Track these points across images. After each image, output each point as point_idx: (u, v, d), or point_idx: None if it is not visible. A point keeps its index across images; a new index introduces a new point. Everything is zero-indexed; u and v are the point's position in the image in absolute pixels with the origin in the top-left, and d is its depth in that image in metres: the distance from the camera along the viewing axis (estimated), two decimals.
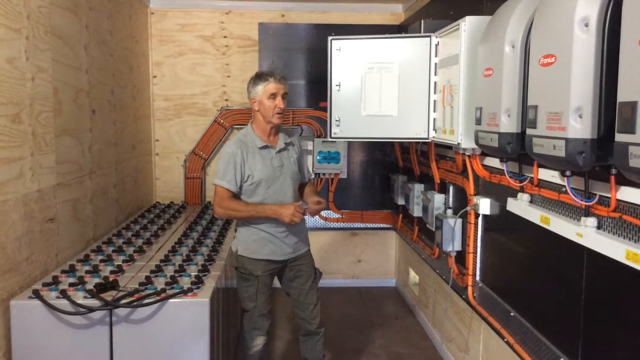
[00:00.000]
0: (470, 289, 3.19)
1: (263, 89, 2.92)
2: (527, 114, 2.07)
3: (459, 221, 3.30)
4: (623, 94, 1.51)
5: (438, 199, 3.67)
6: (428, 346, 4.16)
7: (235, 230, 3.13)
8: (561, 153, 1.79)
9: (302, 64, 5.28)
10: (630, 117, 1.46)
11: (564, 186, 2.02)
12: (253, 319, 3.05)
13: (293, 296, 3.18)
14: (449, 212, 3.55)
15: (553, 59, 1.86)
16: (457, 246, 3.34)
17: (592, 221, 1.94)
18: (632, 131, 1.45)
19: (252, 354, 3.10)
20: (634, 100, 1.45)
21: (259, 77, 2.96)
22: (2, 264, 2.48)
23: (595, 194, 1.92)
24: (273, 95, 2.92)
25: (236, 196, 2.96)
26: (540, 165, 2.29)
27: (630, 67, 1.49)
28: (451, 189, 3.59)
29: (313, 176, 3.27)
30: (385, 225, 5.43)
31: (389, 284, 5.50)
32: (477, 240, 3.14)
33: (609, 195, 1.83)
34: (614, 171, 1.77)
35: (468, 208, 3.13)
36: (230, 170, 2.90)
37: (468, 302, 3.24)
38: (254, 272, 2.99)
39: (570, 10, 1.74)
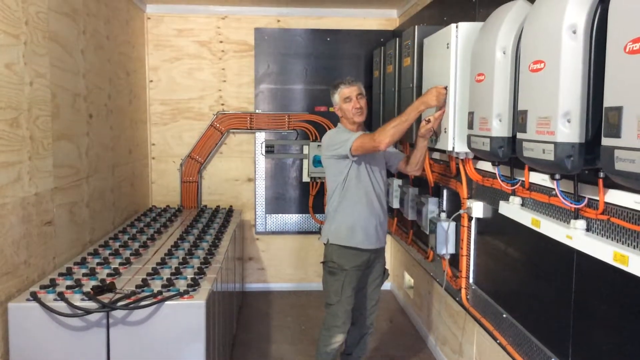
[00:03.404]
0: (463, 292, 3.22)
1: (339, 96, 3.24)
2: (517, 119, 2.11)
3: (453, 224, 3.34)
4: (609, 99, 1.55)
5: (432, 202, 3.70)
6: (422, 349, 4.19)
7: (325, 219, 3.33)
8: (550, 157, 1.82)
9: (298, 69, 5.32)
10: (616, 121, 1.49)
11: (554, 189, 2.06)
12: (336, 315, 3.19)
13: (359, 287, 3.32)
14: (443, 215, 3.58)
15: (542, 64, 1.90)
16: (451, 249, 3.37)
17: (581, 224, 1.97)
18: (617, 135, 1.49)
19: (328, 351, 3.22)
20: (620, 105, 1.49)
21: (333, 87, 3.28)
22: (0, 267, 2.50)
23: (584, 197, 1.96)
24: (348, 98, 3.21)
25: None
26: (531, 169, 2.32)
27: (615, 72, 1.53)
28: (445, 192, 3.62)
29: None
30: None
31: (383, 287, 5.50)
32: (470, 243, 3.17)
33: (597, 198, 1.87)
34: (602, 174, 1.80)
35: (461, 211, 3.16)
36: (346, 133, 3.16)
37: (462, 305, 3.27)
38: (342, 265, 3.16)
39: (559, 17, 1.78)
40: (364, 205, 3.21)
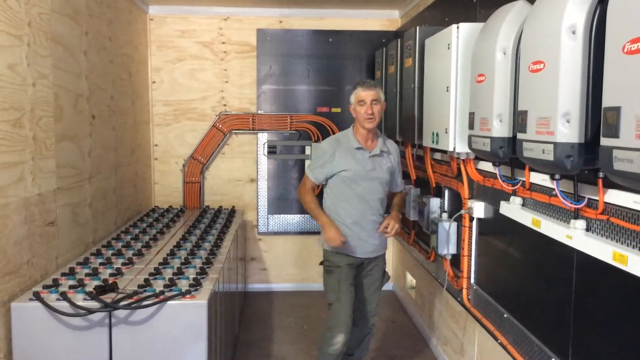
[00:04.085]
0: (465, 292, 3.23)
1: (354, 97, 3.18)
2: (517, 119, 2.11)
3: (454, 224, 3.35)
4: (607, 100, 1.56)
5: (434, 202, 3.70)
6: (424, 349, 4.19)
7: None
8: (550, 157, 1.83)
9: (300, 70, 5.33)
10: (615, 122, 1.50)
11: (554, 189, 2.06)
12: (337, 315, 3.18)
13: (358, 289, 3.33)
14: (445, 215, 3.59)
15: (542, 65, 1.90)
16: (452, 249, 3.38)
17: (581, 223, 1.98)
18: (616, 135, 1.50)
19: (331, 352, 3.20)
20: (618, 105, 1.49)
21: (352, 87, 3.23)
22: (3, 267, 2.52)
23: (584, 197, 1.97)
24: (362, 102, 3.13)
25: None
26: (531, 169, 2.33)
27: (614, 73, 1.54)
28: (446, 192, 3.63)
29: (404, 188, 3.48)
30: None
31: (386, 288, 5.51)
32: (471, 243, 3.18)
33: (597, 198, 1.87)
34: (601, 174, 1.81)
35: (462, 211, 3.17)
36: (318, 166, 3.21)
37: (463, 305, 3.28)
38: (337, 263, 3.19)
39: (559, 18, 1.79)
40: (356, 213, 3.19)
